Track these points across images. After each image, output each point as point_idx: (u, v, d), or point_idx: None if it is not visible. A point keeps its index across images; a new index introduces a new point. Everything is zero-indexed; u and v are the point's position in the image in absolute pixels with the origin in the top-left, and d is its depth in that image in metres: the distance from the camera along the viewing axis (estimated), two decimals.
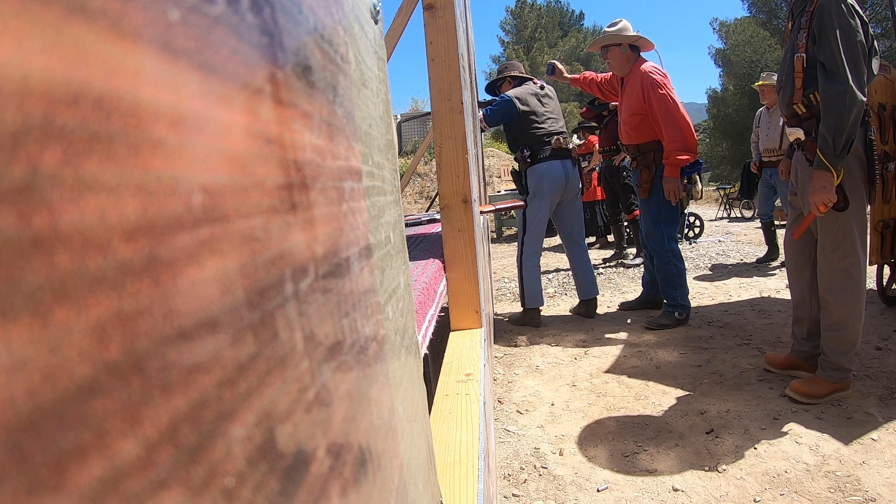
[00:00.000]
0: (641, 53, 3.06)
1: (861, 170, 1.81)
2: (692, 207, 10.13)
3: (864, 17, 1.70)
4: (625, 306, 3.48)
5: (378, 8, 0.43)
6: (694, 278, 4.19)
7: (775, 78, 4.42)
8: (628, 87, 3.03)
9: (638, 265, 4.84)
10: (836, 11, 1.65)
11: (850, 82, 1.64)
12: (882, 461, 1.58)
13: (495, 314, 3.57)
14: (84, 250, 0.10)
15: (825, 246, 1.88)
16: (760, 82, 4.48)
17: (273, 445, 0.17)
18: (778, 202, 4.64)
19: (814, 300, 2.06)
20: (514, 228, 8.82)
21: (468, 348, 1.28)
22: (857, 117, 1.67)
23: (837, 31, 1.65)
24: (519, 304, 3.84)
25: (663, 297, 3.12)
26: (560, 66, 3.39)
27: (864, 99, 1.67)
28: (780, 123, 4.29)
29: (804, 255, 2.05)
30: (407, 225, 3.28)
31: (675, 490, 1.53)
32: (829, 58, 1.67)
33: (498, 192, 8.76)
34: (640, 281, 3.61)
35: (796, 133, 1.87)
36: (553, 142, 3.12)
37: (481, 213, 2.00)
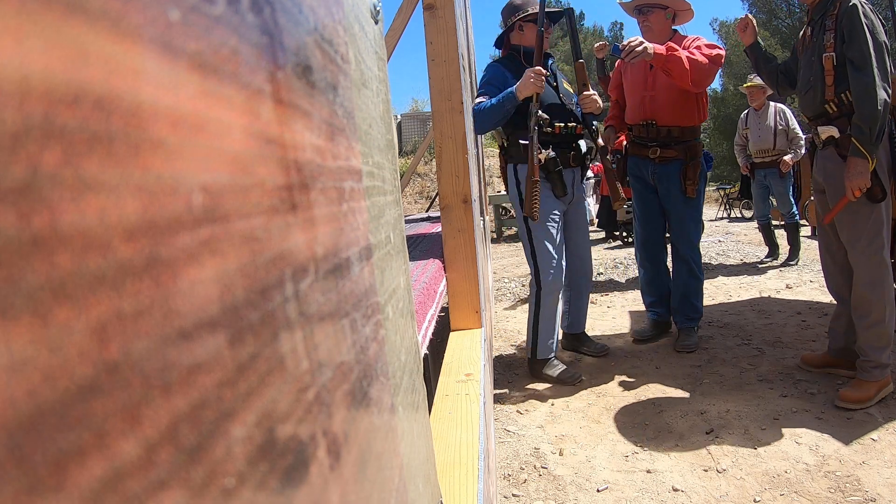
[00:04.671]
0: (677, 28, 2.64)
1: (887, 164, 1.89)
2: None
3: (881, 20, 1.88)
4: (641, 336, 2.79)
5: (378, 8, 0.43)
6: None
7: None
8: None
9: None
10: (863, 12, 1.81)
11: (878, 76, 1.78)
12: (882, 461, 1.58)
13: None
14: (84, 250, 0.10)
15: (860, 241, 1.89)
16: (749, 84, 4.43)
17: (273, 445, 0.17)
18: (774, 202, 4.62)
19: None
20: (514, 228, 8.80)
21: (468, 348, 1.28)
22: (886, 108, 1.79)
23: (865, 30, 1.79)
24: (516, 305, 3.84)
25: (684, 310, 2.67)
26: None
27: (890, 91, 1.80)
28: (772, 124, 4.29)
29: (841, 252, 2.06)
30: (406, 223, 3.23)
31: (675, 490, 1.53)
32: (858, 54, 1.80)
33: (498, 192, 8.75)
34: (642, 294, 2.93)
35: (829, 131, 1.92)
36: None
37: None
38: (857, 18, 1.80)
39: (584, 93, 2.26)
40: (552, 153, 2.21)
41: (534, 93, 2.09)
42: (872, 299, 1.89)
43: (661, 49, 2.30)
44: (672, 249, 2.71)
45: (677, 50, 2.33)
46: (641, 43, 2.27)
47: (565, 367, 2.37)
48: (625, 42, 2.29)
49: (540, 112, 2.14)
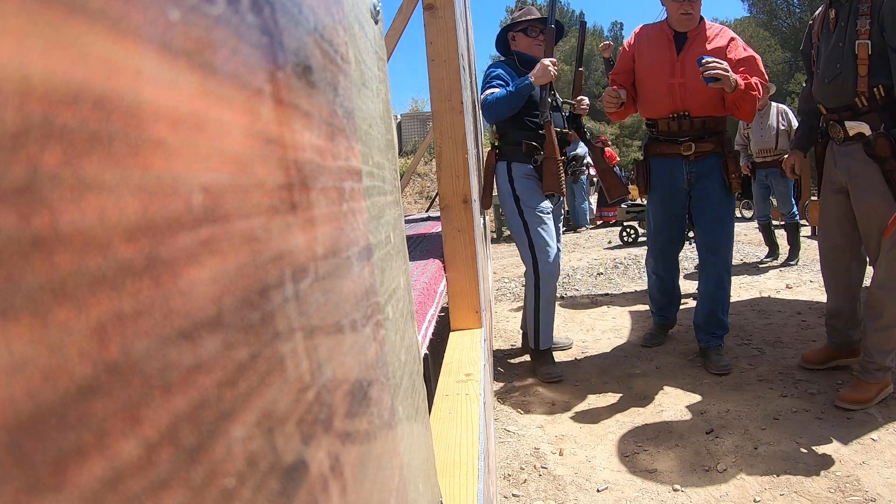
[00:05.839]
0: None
1: None
2: None
3: None
4: (650, 343, 2.67)
5: (378, 8, 0.43)
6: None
7: None
8: (696, 45, 2.23)
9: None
10: None
11: None
12: (882, 461, 1.58)
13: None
14: (84, 250, 0.10)
15: (885, 243, 1.82)
16: None
17: (273, 445, 0.17)
18: (774, 202, 4.62)
19: (858, 293, 2.07)
20: None
21: (468, 348, 1.28)
22: None
23: None
24: (513, 305, 3.83)
25: (710, 327, 2.38)
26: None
27: None
28: (774, 125, 4.28)
29: (847, 252, 2.02)
30: (406, 223, 3.21)
31: (675, 490, 1.53)
32: None
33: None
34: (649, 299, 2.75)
35: (860, 127, 1.77)
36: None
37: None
38: None
39: (579, 97, 2.46)
40: (545, 154, 2.33)
41: (548, 81, 2.26)
42: (886, 302, 1.84)
43: (741, 82, 2.08)
44: (702, 258, 2.41)
45: (755, 89, 2.14)
46: (726, 70, 2.03)
47: (553, 364, 2.42)
48: (708, 60, 2.04)
49: (556, 95, 2.34)
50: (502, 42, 2.53)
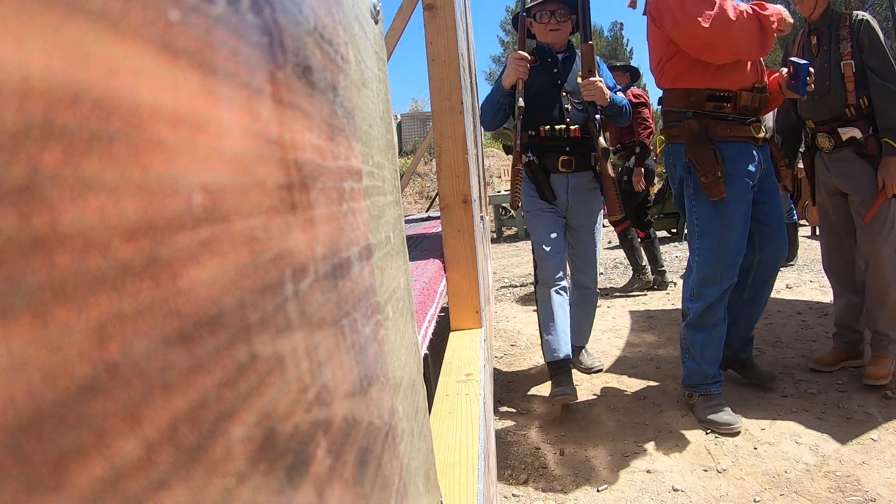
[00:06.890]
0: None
1: None
2: None
3: None
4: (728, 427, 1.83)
5: (378, 8, 0.43)
6: None
7: None
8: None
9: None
10: (877, 26, 2.03)
11: None
12: (882, 461, 1.58)
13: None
14: (84, 250, 0.10)
15: (881, 234, 2.03)
16: None
17: (273, 446, 0.17)
18: None
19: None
20: (515, 228, 8.81)
21: (468, 348, 1.28)
22: None
23: (883, 40, 1.99)
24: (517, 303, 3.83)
25: (744, 348, 2.07)
26: None
27: None
28: (772, 125, 4.29)
29: (851, 248, 2.17)
30: (406, 223, 3.20)
31: (675, 490, 1.53)
32: (880, 62, 1.98)
33: (498, 192, 8.75)
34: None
35: (851, 132, 2.03)
36: None
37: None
38: (874, 32, 1.99)
39: (588, 78, 1.99)
40: (531, 157, 2.13)
41: (517, 79, 1.99)
42: (891, 283, 2.02)
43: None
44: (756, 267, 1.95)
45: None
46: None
47: (565, 386, 2.04)
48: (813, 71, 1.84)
49: (520, 101, 2.01)
50: (517, 26, 2.18)
